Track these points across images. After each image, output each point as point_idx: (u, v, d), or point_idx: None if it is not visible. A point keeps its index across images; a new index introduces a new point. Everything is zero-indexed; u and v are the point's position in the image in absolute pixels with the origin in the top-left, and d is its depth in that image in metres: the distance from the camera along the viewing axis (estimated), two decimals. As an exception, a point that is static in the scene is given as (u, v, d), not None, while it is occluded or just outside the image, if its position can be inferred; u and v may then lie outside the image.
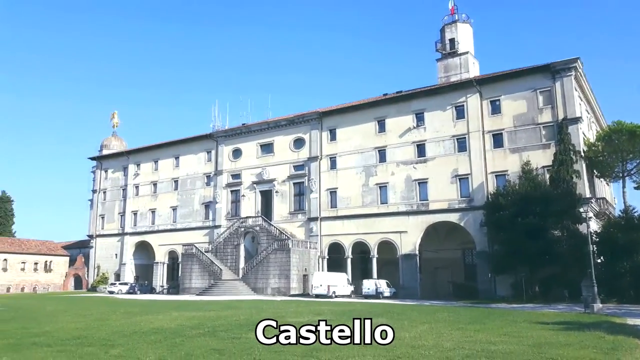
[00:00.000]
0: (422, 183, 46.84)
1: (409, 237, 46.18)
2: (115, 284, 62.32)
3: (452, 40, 53.32)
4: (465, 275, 47.96)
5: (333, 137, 53.09)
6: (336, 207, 51.30)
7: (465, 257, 49.02)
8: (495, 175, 43.41)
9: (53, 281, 72.36)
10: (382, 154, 49.54)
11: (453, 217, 44.65)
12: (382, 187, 48.88)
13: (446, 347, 13.22)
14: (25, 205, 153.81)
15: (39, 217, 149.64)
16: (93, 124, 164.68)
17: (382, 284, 43.89)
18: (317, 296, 42.44)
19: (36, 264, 71.25)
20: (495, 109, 44.61)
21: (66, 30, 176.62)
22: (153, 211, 66.22)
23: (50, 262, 73.20)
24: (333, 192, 51.86)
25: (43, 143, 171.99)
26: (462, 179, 44.87)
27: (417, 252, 45.91)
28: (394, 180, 48.27)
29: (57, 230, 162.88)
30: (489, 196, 41.72)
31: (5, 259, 67.66)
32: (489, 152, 44.08)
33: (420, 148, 47.50)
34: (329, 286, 42.88)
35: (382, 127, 50.06)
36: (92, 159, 74.61)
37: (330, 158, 52.76)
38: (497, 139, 43.95)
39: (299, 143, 55.61)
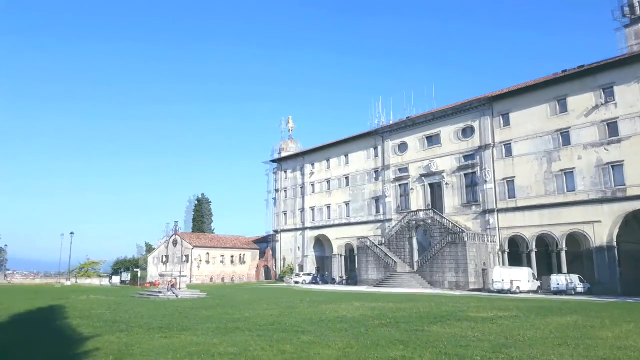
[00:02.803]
0: (616, 166, 41.20)
1: (602, 227, 41.04)
2: (299, 274, 67.07)
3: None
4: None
5: (506, 122, 49.68)
6: (514, 197, 47.92)
7: (677, 249, 41.95)
8: None
9: (246, 272, 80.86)
10: (564, 137, 44.84)
11: (659, 203, 38.47)
12: (568, 173, 44.24)
13: (663, 351, 11.46)
14: (219, 205, 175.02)
15: (230, 214, 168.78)
16: (270, 129, 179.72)
17: (574, 279, 39.76)
18: (499, 291, 40.29)
19: (232, 256, 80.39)
20: None
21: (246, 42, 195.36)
22: (328, 206, 69.71)
23: (243, 255, 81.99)
24: (509, 181, 48.56)
25: (231, 149, 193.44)
26: (669, 158, 38.38)
27: (614, 244, 40.60)
28: (580, 164, 43.36)
29: (245, 225, 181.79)
30: None
31: (207, 253, 77.57)
32: None
33: (612, 127, 41.83)
34: (511, 281, 40.38)
35: (562, 107, 45.34)
36: (272, 161, 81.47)
37: (504, 145, 49.47)
38: None
39: (467, 132, 53.34)
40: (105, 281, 75.52)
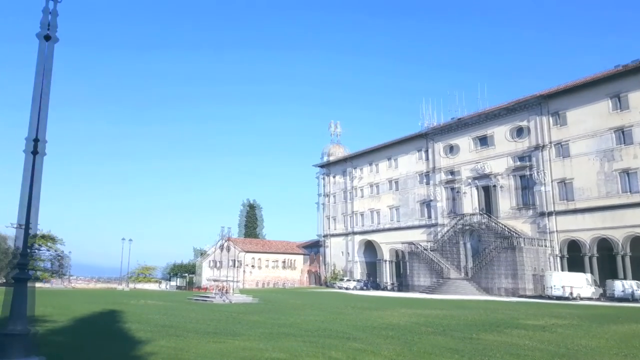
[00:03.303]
0: (684, 164, 38.74)
1: (670, 230, 38.65)
2: (348, 280, 66.84)
3: None
4: None
5: (562, 120, 47.75)
6: (572, 199, 45.91)
7: None
8: None
9: (294, 277, 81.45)
10: (626, 135, 42.64)
11: None
12: (631, 173, 41.99)
13: None
14: (270, 209, 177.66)
15: (279, 220, 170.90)
16: (315, 134, 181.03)
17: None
18: (557, 298, 38.66)
19: (281, 262, 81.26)
20: None
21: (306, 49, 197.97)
22: (376, 211, 69.19)
23: (293, 260, 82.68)
24: (567, 183, 46.57)
25: (278, 156, 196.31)
26: None
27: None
28: (644, 163, 41.05)
29: (295, 230, 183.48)
30: None
31: (258, 258, 78.75)
32: None
33: (678, 123, 39.41)
34: (570, 287, 38.68)
35: (623, 104, 43.13)
36: (319, 166, 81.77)
37: (561, 145, 47.55)
38: None
39: (519, 132, 51.65)
40: (160, 286, 78.05)
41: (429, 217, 60.84)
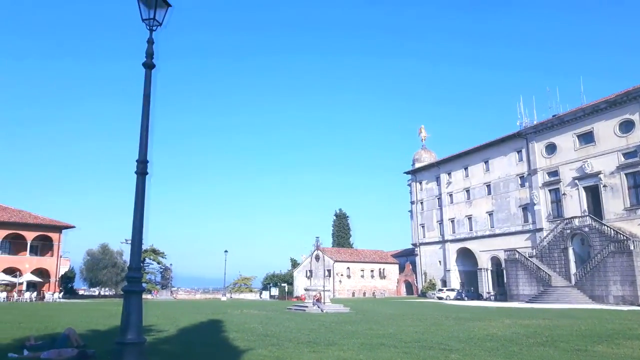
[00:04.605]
0: None
1: None
2: (443, 289, 64.97)
3: None
4: None
5: (676, 111, 43.29)
6: (694, 197, 41.32)
7: None
8: None
9: (387, 287, 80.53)
10: None
11: None
12: None
13: None
14: (357, 220, 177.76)
15: (368, 229, 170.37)
16: (404, 140, 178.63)
17: None
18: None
19: (372, 271, 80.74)
20: None
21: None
22: (469, 217, 66.74)
23: (384, 269, 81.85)
24: (686, 179, 42.04)
25: (366, 163, 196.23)
26: None
27: None
28: None
29: (385, 239, 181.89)
30: None
31: (348, 267, 78.93)
32: None
33: None
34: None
35: None
36: (407, 172, 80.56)
37: (676, 137, 43.08)
38: None
39: (627, 126, 47.52)
40: (258, 296, 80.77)
41: (529, 221, 57.57)
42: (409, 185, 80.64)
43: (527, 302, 47.40)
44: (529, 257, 52.27)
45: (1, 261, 58.20)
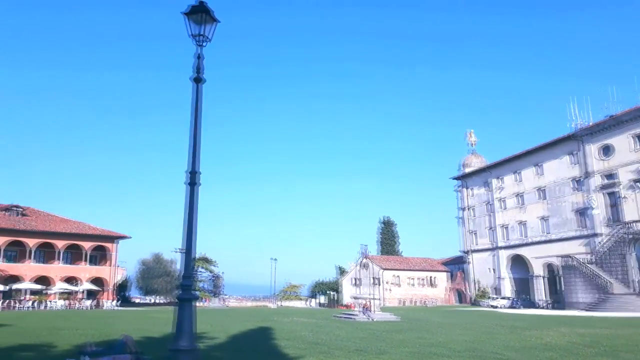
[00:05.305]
0: None
1: None
2: (496, 298, 63.07)
3: None
4: None
5: None
6: None
7: None
8: None
9: (438, 295, 78.86)
10: None
11: None
12: None
13: None
14: (406, 226, 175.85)
15: (415, 236, 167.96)
16: (451, 146, 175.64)
17: None
18: None
19: (421, 279, 79.33)
20: None
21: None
22: (522, 223, 64.66)
23: (434, 277, 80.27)
24: None
25: (412, 169, 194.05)
26: None
27: None
28: None
29: (431, 247, 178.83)
30: None
31: (397, 276, 77.92)
32: None
33: None
34: None
35: None
36: (456, 178, 78.93)
37: None
38: None
39: (691, 124, 44.81)
40: (306, 304, 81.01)
41: (585, 226, 55.14)
42: (457, 191, 78.95)
43: (585, 310, 45.25)
44: (587, 263, 50.00)
45: (62, 271, 61.19)
